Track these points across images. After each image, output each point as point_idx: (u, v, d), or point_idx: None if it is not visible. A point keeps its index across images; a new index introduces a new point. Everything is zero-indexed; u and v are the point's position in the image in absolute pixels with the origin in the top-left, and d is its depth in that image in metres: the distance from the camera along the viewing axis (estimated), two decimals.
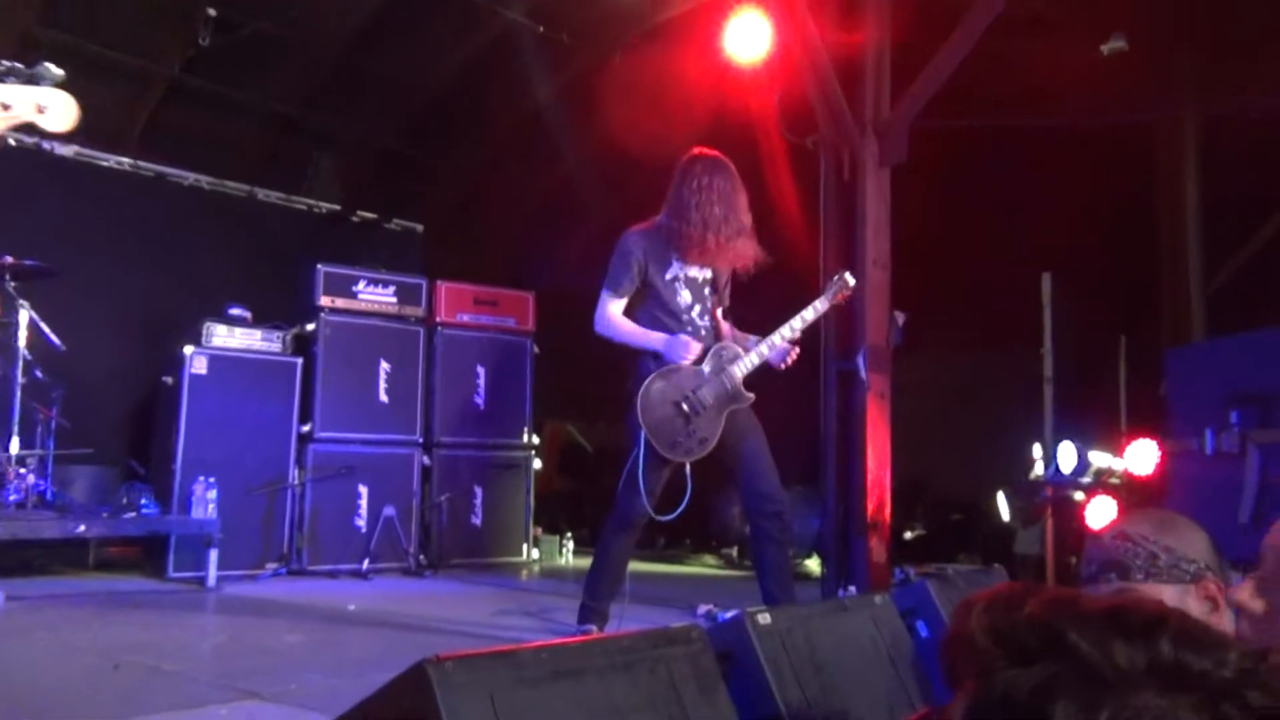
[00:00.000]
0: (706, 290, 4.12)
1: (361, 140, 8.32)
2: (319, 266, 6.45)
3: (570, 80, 8.15)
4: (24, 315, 5.28)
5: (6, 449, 5.17)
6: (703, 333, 4.07)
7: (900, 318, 5.41)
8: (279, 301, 6.56)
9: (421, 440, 6.71)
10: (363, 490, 6.39)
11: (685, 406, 3.90)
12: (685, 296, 4.07)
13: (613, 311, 4.05)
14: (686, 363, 3.94)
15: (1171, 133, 6.77)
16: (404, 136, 8.40)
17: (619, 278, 4.05)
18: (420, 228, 8.18)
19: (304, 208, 7.68)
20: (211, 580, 5.45)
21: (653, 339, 3.97)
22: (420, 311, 6.80)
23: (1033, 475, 6.09)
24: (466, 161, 8.92)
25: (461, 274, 7.28)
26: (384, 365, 6.58)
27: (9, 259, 5.25)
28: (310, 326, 6.42)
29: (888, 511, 5.25)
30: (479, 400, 7.04)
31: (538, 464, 7.40)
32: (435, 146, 8.68)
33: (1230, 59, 6.31)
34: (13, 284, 5.32)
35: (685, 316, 4.05)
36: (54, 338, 5.35)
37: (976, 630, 0.80)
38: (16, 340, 5.23)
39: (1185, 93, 6.64)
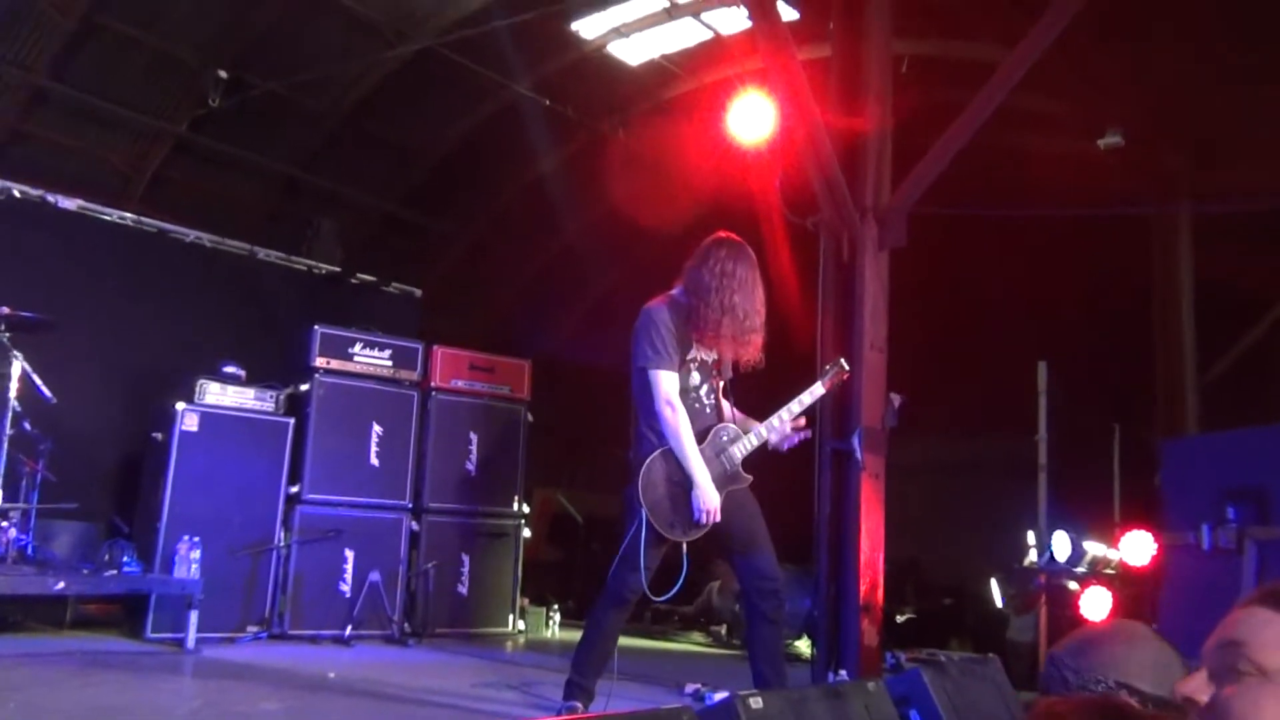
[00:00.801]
0: (713, 371, 4.14)
1: (364, 203, 8.42)
2: (315, 327, 6.47)
3: (574, 152, 8.29)
4: (16, 366, 5.26)
5: None
6: (707, 411, 4.07)
7: (896, 400, 5.42)
8: (274, 361, 6.55)
9: (411, 505, 6.65)
10: (349, 554, 6.32)
11: (685, 487, 3.88)
12: (696, 378, 4.07)
13: (677, 398, 3.90)
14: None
15: (1166, 226, 6.88)
16: (406, 201, 8.50)
17: (665, 349, 3.92)
18: (419, 292, 8.21)
19: (303, 268, 7.71)
20: (190, 642, 5.35)
21: (699, 473, 3.85)
22: (415, 376, 6.80)
23: (1027, 562, 6.06)
24: (467, 228, 9.02)
25: (457, 340, 7.29)
26: (376, 428, 6.55)
27: (5, 309, 5.25)
28: (304, 387, 6.41)
29: (880, 593, 5.20)
30: (470, 467, 7.00)
31: (527, 533, 7.34)
32: (436, 212, 8.79)
33: (1217, 161, 6.44)
34: (7, 334, 5.31)
35: (694, 394, 4.04)
36: (45, 389, 5.32)
37: None
38: (7, 391, 5.19)
39: (1179, 188, 6.77)
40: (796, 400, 4.08)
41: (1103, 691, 1.61)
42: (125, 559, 5.42)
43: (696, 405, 4.03)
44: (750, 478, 4.06)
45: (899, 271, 5.47)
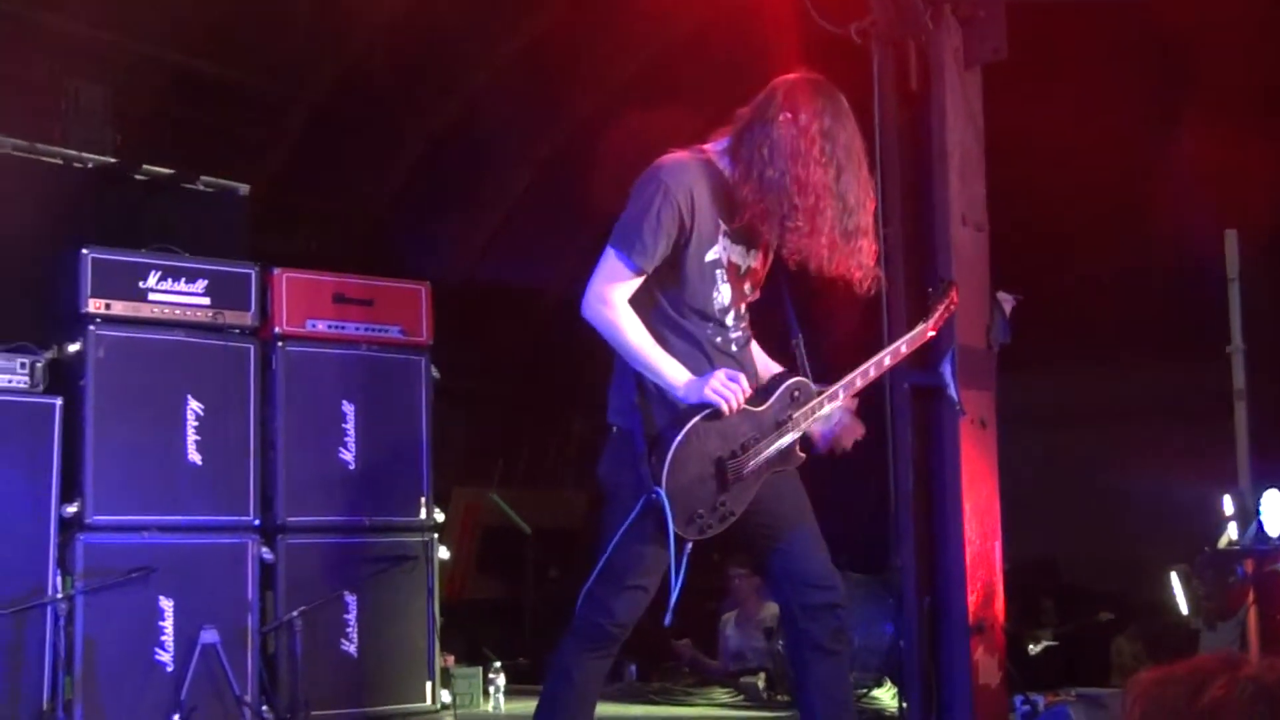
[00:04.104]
0: (747, 286, 4.19)
1: (145, 56, 8.28)
2: (84, 251, 6.41)
3: None
4: None
5: None
6: (734, 349, 4.15)
7: (1007, 301, 5.45)
8: (21, 309, 6.49)
9: (258, 523, 6.64)
10: (166, 606, 6.30)
11: (730, 467, 3.94)
12: (724, 294, 4.11)
13: (621, 296, 3.99)
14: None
15: None
16: (210, 49, 8.36)
17: (646, 236, 3.96)
18: (243, 189, 8.13)
19: (57, 162, 7.60)
20: None
21: (669, 372, 3.93)
22: (249, 318, 6.77)
23: (1222, 543, 6.12)
24: (311, 89, 8.89)
25: (311, 260, 7.25)
26: (193, 405, 6.51)
27: None
28: (73, 347, 6.34)
29: (1000, 605, 5.27)
30: (347, 457, 6.99)
31: (445, 554, 7.36)
32: (261, 64, 8.66)
33: None
34: None
35: (714, 324, 4.10)
36: None
37: None
38: None
39: None
40: (888, 352, 4.19)
41: None
42: None
43: (719, 340, 4.11)
44: (803, 457, 4.16)
45: (998, 99, 5.48)
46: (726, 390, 3.87)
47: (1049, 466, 8.05)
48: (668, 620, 3.93)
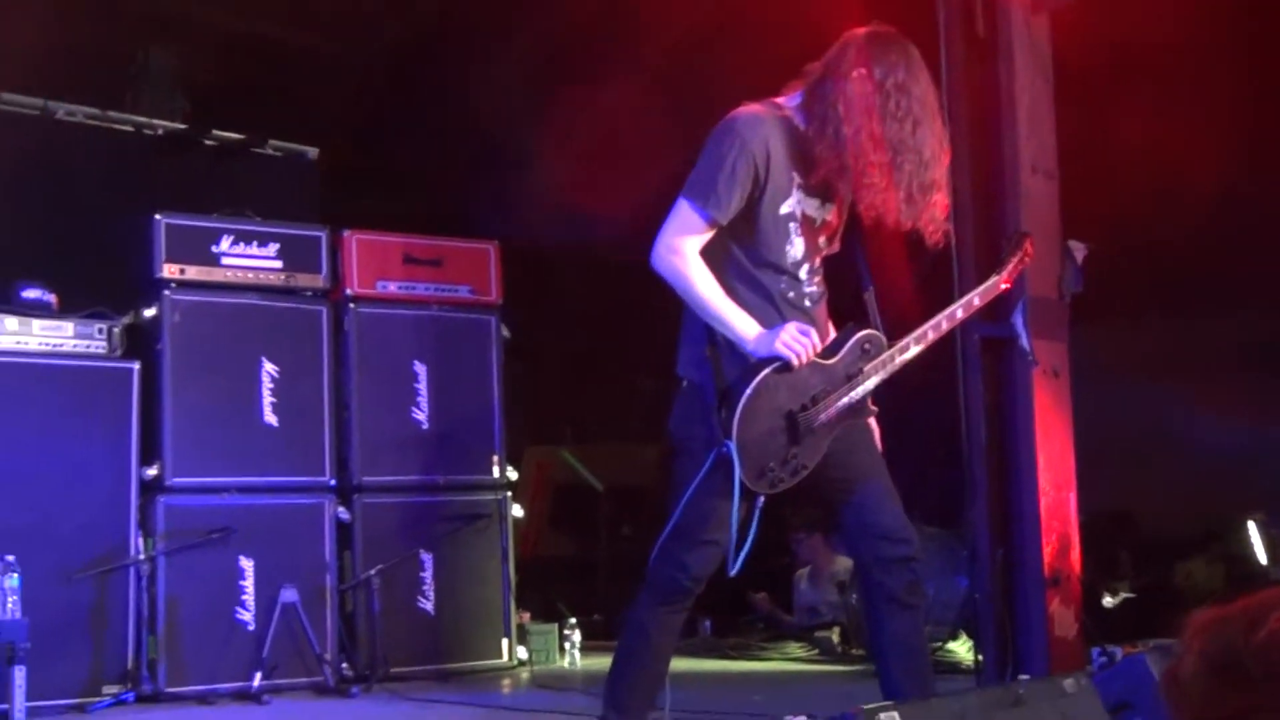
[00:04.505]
0: (821, 240, 4.17)
1: (214, 21, 8.32)
2: (157, 217, 6.49)
3: None
4: None
5: None
6: (807, 304, 4.11)
7: (1079, 250, 5.41)
8: (97, 276, 6.60)
9: (334, 483, 6.74)
10: (247, 566, 6.41)
11: (801, 420, 3.92)
12: (797, 247, 4.08)
13: (693, 247, 3.96)
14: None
15: None
16: (279, 13, 8.39)
17: (721, 187, 3.92)
18: (313, 152, 8.18)
19: (129, 129, 7.69)
20: (19, 714, 5.46)
21: (739, 324, 3.91)
22: (321, 280, 6.85)
23: None
24: (378, 48, 8.91)
25: (379, 221, 7.29)
26: (269, 367, 6.61)
27: None
28: (149, 312, 6.46)
29: (1076, 556, 5.25)
30: (420, 417, 7.06)
31: (519, 512, 7.42)
32: (331, 27, 8.68)
33: None
34: None
35: (788, 277, 4.06)
36: None
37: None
38: None
39: None
40: (960, 305, 4.14)
41: None
42: None
43: (792, 294, 4.07)
44: (875, 410, 4.13)
45: (1070, 44, 5.42)
46: (797, 344, 3.84)
47: (1126, 417, 7.97)
48: (731, 570, 3.91)
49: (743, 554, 3.90)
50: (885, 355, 4.04)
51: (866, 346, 4.05)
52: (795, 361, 3.86)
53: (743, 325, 3.90)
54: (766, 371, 3.87)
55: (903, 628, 4.00)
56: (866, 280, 4.20)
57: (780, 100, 4.08)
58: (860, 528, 4.04)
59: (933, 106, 3.99)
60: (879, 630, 4.05)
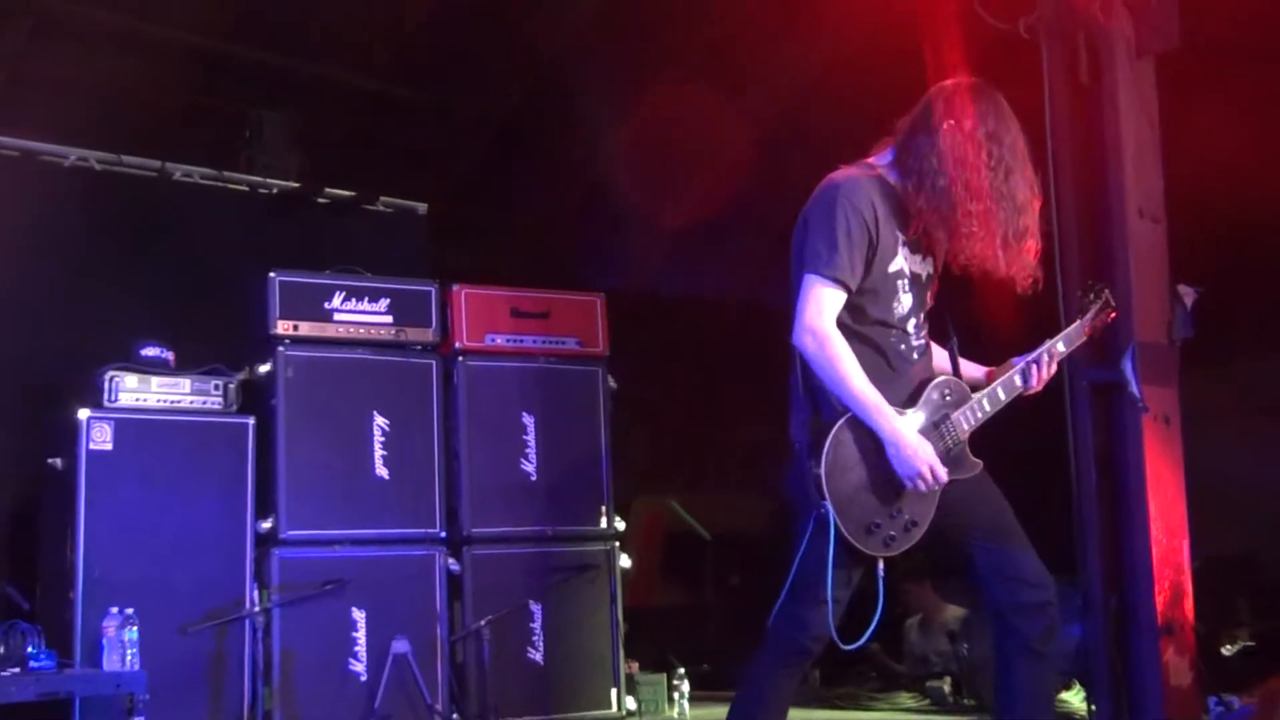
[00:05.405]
0: (927, 294, 4.20)
1: (326, 81, 8.45)
2: (271, 275, 6.62)
3: None
4: None
5: None
6: (915, 356, 4.13)
7: (1188, 294, 5.36)
8: (214, 333, 6.77)
9: (445, 534, 6.81)
10: (359, 617, 6.49)
11: (888, 468, 3.91)
12: (905, 303, 4.10)
13: (833, 325, 3.92)
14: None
15: None
16: (392, 71, 8.53)
17: (843, 254, 3.91)
18: (422, 207, 8.30)
19: (244, 189, 7.86)
20: None
21: (880, 412, 3.89)
22: (430, 334, 6.95)
23: None
24: (490, 103, 9.01)
25: (485, 274, 7.38)
26: (379, 420, 6.71)
27: None
28: (264, 368, 6.59)
29: (1189, 605, 5.19)
30: (528, 468, 7.12)
31: (627, 563, 7.44)
32: (440, 84, 8.81)
33: None
34: None
35: (898, 330, 4.07)
36: None
37: None
38: None
39: None
40: (1045, 349, 4.14)
41: None
42: (30, 649, 5.64)
43: (902, 347, 4.09)
44: (979, 464, 4.11)
45: (1174, 90, 5.40)
46: (930, 478, 3.87)
47: (1246, 458, 7.84)
48: (861, 642, 3.94)
49: (877, 617, 3.88)
50: (972, 402, 4.05)
51: (946, 394, 4.06)
52: (919, 485, 3.88)
53: (888, 419, 3.89)
54: (841, 423, 3.88)
55: (1032, 675, 3.98)
56: (950, 331, 4.22)
57: (871, 160, 4.13)
58: (996, 571, 4.01)
59: (1023, 153, 4.02)
60: (1007, 678, 4.02)
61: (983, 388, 4.12)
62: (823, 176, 4.12)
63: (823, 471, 3.83)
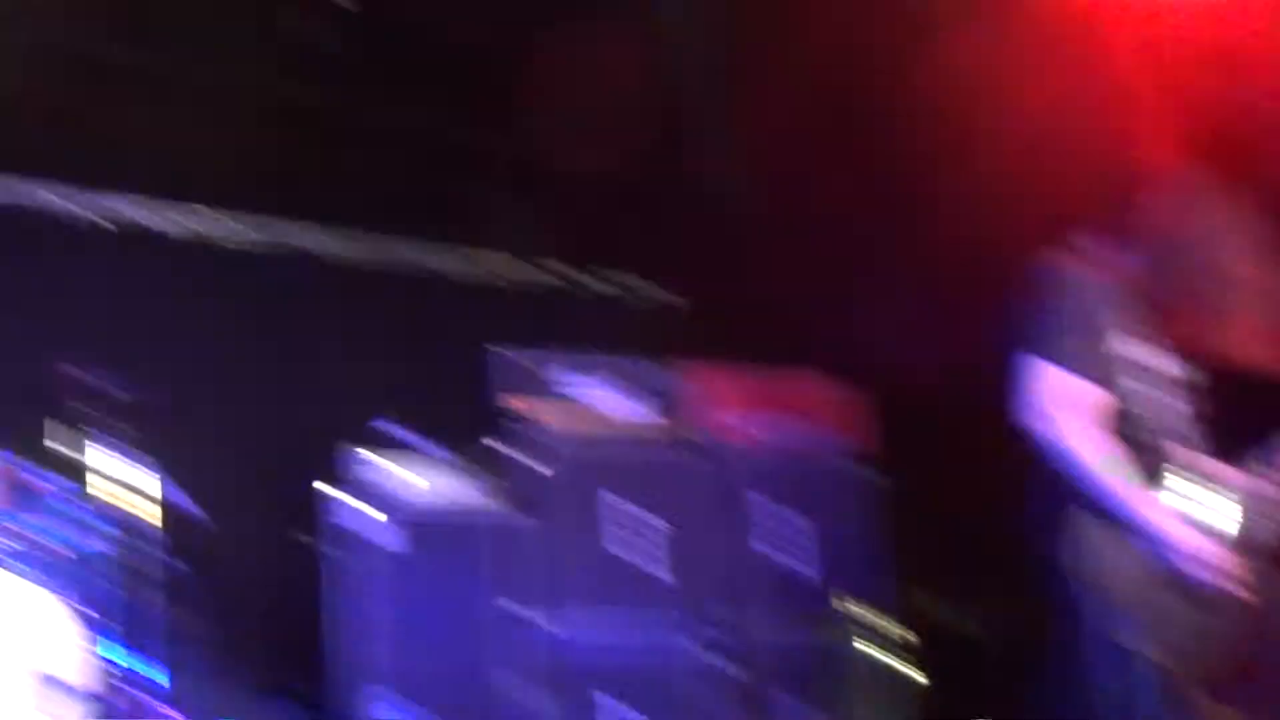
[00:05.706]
0: (1186, 395, 4.25)
1: (560, 167, 8.50)
2: (511, 357, 6.79)
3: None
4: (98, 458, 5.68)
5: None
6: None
7: None
8: (468, 422, 6.88)
9: (713, 630, 6.73)
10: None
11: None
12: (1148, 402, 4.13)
13: (1075, 418, 3.99)
14: None
15: None
16: (637, 154, 8.51)
17: (1073, 337, 4.05)
18: (665, 290, 8.33)
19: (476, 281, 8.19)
20: None
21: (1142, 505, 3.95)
22: (677, 421, 7.05)
23: None
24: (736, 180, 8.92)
25: (739, 359, 7.42)
26: (631, 509, 6.77)
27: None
28: (520, 458, 6.70)
29: None
30: (789, 561, 7.07)
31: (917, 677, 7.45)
32: (677, 166, 8.76)
33: None
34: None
35: (1145, 433, 4.07)
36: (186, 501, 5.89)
37: None
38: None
39: None
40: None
41: None
42: None
43: (1150, 457, 4.07)
44: None
45: None
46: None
47: None
48: None
49: None
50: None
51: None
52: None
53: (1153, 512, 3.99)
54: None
55: None
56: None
57: (1093, 253, 4.18)
58: None
59: (1240, 228, 4.06)
60: None
61: None
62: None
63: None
